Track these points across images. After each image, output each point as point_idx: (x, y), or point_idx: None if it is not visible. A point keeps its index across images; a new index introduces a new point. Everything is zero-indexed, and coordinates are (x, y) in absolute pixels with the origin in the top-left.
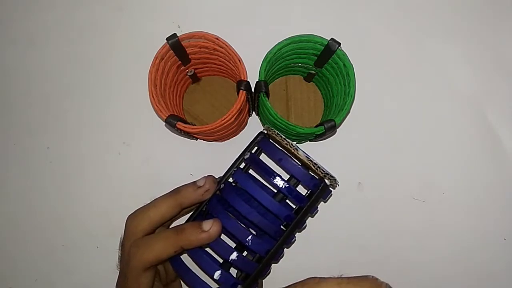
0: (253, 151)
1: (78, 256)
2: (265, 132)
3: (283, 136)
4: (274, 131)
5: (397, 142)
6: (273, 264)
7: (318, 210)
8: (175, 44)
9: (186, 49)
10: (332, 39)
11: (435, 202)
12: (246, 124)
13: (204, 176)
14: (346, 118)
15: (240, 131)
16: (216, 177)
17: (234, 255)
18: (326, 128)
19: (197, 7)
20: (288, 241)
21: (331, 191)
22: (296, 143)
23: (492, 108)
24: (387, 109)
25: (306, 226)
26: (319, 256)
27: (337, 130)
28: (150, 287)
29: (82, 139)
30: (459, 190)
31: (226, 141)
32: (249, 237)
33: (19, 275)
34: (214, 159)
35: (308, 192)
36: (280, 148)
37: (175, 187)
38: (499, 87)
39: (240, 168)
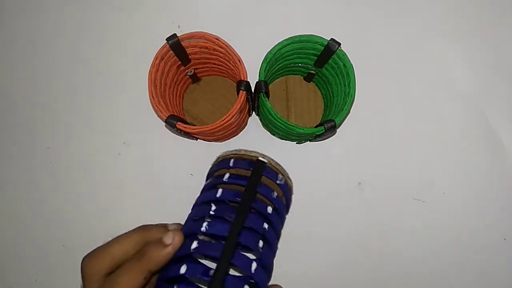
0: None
1: (78, 256)
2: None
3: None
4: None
5: (397, 142)
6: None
7: (276, 196)
8: (175, 44)
9: (186, 49)
10: (332, 39)
11: (435, 202)
12: (246, 124)
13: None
14: (346, 118)
15: (240, 131)
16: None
17: (194, 244)
18: (326, 128)
19: (197, 7)
20: (249, 222)
21: (269, 168)
22: (296, 143)
23: (492, 108)
24: (387, 109)
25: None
26: (319, 256)
27: (337, 130)
28: None
29: (82, 139)
30: (459, 190)
31: (226, 141)
32: (204, 224)
33: (19, 275)
34: (214, 159)
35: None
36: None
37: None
38: (499, 87)
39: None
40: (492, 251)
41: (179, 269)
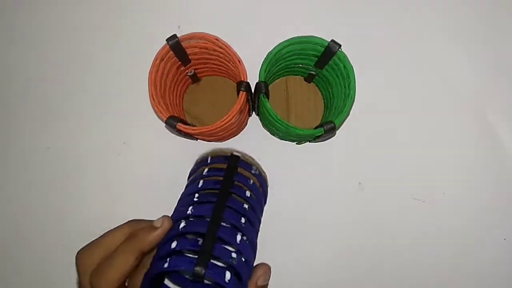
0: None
1: None
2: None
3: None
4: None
5: (397, 142)
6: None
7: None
8: (175, 45)
9: (186, 50)
10: (332, 40)
11: (435, 202)
12: (246, 124)
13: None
14: (347, 119)
15: (240, 131)
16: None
17: (182, 224)
18: (326, 130)
19: (197, 7)
20: (230, 202)
21: (243, 160)
22: (296, 143)
23: (492, 108)
24: (387, 109)
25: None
26: (319, 256)
27: (337, 130)
28: None
29: (82, 139)
30: (459, 190)
31: (226, 141)
32: (190, 208)
33: (19, 275)
34: None
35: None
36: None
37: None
38: (499, 87)
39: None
40: (492, 251)
41: (170, 245)
